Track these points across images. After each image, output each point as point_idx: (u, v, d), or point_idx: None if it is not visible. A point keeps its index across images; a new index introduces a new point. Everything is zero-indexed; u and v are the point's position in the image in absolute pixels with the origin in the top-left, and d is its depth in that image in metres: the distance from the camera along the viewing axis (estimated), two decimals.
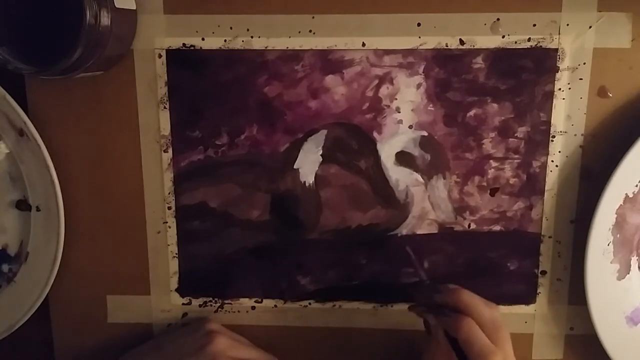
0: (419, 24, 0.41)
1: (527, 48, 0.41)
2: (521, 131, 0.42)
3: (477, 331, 0.36)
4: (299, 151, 0.43)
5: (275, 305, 0.46)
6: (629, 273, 0.43)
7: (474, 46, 0.41)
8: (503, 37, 0.40)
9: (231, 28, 0.41)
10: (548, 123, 0.42)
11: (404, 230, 0.44)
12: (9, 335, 0.45)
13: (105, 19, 0.35)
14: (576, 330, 0.44)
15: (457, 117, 0.42)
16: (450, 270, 0.44)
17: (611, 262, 0.42)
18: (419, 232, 0.44)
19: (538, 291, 0.44)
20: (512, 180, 0.43)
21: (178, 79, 0.42)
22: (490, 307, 0.38)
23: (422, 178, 0.43)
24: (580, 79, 0.41)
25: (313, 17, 0.41)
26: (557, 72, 0.41)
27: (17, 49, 0.35)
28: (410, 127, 0.42)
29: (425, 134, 0.42)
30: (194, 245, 0.45)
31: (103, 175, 0.44)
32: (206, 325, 0.43)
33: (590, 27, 0.40)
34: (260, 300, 0.46)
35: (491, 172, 0.43)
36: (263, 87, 0.42)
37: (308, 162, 0.43)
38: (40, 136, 0.41)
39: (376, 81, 0.42)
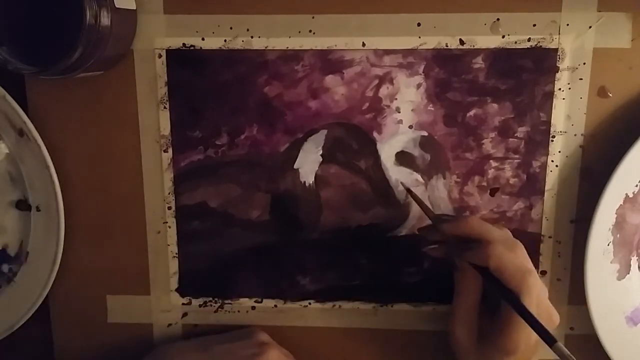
0: (419, 24, 0.41)
1: (527, 48, 0.41)
2: (521, 131, 0.42)
3: (506, 254, 0.36)
4: (299, 151, 0.43)
5: (275, 305, 0.46)
6: (629, 273, 0.43)
7: (474, 46, 0.41)
8: (503, 37, 0.40)
9: (231, 28, 0.41)
10: (548, 123, 0.42)
11: (403, 230, 0.44)
12: (9, 335, 0.45)
13: (105, 19, 0.35)
14: (576, 330, 0.44)
15: (457, 117, 0.42)
16: (450, 270, 0.44)
17: (611, 262, 0.42)
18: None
19: None
20: (512, 180, 0.43)
21: (178, 79, 0.42)
22: (501, 228, 0.38)
23: (422, 178, 0.43)
24: (580, 79, 0.41)
25: (313, 17, 0.41)
26: (557, 72, 0.41)
27: (17, 49, 0.35)
28: (410, 127, 0.42)
29: (425, 134, 0.42)
30: (194, 245, 0.45)
31: (103, 175, 0.44)
32: (258, 336, 0.43)
33: (590, 27, 0.40)
34: (260, 300, 0.46)
35: (491, 172, 0.43)
36: (263, 87, 0.42)
37: (308, 162, 0.43)
38: (40, 136, 0.41)
39: (376, 81, 0.42)
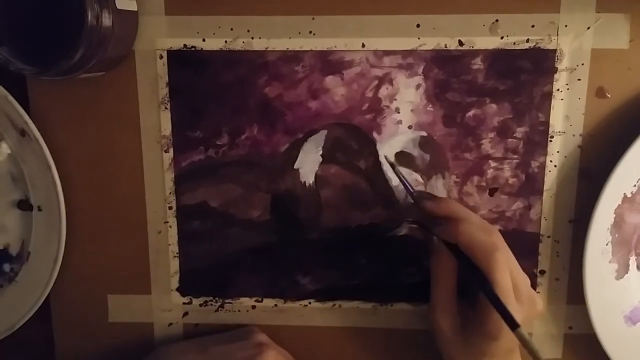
0: (418, 25, 0.41)
1: (526, 49, 0.41)
2: (520, 131, 0.42)
3: (476, 232, 0.36)
4: (299, 151, 0.43)
5: (275, 305, 0.46)
6: (627, 272, 0.43)
7: (472, 47, 0.41)
8: (502, 38, 0.41)
9: (232, 29, 0.41)
10: (546, 123, 0.42)
11: (403, 230, 0.44)
12: (9, 335, 0.45)
13: (106, 20, 0.36)
14: (575, 329, 0.45)
15: (456, 118, 0.42)
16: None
17: (610, 262, 0.42)
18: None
19: (537, 291, 0.44)
20: (511, 180, 0.43)
21: (179, 80, 0.42)
22: (476, 214, 0.39)
23: (422, 178, 0.43)
24: (579, 79, 0.41)
25: (313, 19, 0.41)
26: (556, 72, 0.41)
27: (19, 50, 0.35)
28: (410, 127, 0.42)
29: (425, 134, 0.43)
30: (195, 245, 0.45)
31: (104, 175, 0.44)
32: (256, 336, 0.43)
33: (588, 28, 0.40)
34: (260, 299, 0.46)
35: (490, 172, 0.43)
36: (263, 87, 0.42)
37: (308, 162, 0.43)
38: (42, 136, 0.41)
39: (376, 82, 0.42)
